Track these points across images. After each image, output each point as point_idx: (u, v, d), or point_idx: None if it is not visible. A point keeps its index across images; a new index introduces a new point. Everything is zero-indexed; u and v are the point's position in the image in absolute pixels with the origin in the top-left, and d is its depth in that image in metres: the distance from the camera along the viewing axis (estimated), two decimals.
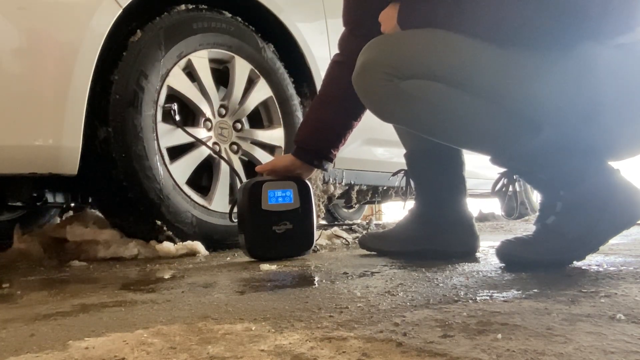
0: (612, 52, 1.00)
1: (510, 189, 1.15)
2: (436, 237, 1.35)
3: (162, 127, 1.56)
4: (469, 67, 1.05)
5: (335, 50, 1.38)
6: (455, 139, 1.15)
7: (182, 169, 1.60)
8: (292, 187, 1.35)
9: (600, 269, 1.02)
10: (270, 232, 1.32)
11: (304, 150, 1.34)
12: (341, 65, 1.33)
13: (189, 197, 1.59)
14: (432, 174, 1.38)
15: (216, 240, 1.64)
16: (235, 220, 1.40)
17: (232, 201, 1.46)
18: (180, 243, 1.54)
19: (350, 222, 3.27)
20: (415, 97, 1.07)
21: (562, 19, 0.98)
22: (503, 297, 0.77)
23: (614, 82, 1.00)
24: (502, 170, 1.15)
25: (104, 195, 1.57)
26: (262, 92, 1.86)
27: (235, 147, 1.81)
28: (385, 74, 1.07)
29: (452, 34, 1.06)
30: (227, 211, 1.63)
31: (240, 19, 1.80)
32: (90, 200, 1.94)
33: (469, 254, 1.34)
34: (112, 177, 1.47)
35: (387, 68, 1.07)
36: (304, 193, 1.37)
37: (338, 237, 1.89)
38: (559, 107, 1.03)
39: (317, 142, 1.33)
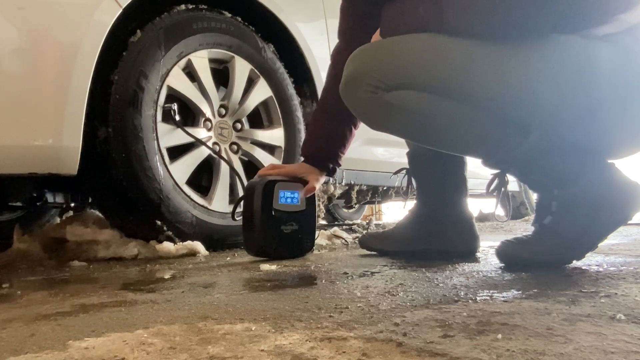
0: (602, 46, 0.98)
1: (503, 189, 1.15)
2: (436, 237, 1.35)
3: (162, 127, 1.56)
4: (454, 75, 1.03)
5: None
6: (444, 145, 1.14)
7: (182, 169, 1.60)
8: (300, 189, 1.39)
9: (600, 269, 1.02)
10: (278, 232, 1.35)
11: (314, 158, 1.40)
12: (335, 79, 1.34)
13: (189, 197, 1.59)
14: (434, 174, 1.38)
15: (216, 240, 1.64)
16: (238, 219, 1.41)
17: (237, 200, 1.45)
18: (180, 243, 1.54)
19: (350, 222, 3.26)
20: (401, 108, 1.05)
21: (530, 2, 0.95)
22: (503, 297, 0.77)
23: (610, 80, 0.98)
24: (495, 171, 1.15)
25: (104, 195, 1.57)
26: (262, 92, 1.86)
27: (235, 147, 1.81)
28: (370, 86, 1.05)
29: (436, 38, 1.03)
30: (227, 211, 1.63)
31: (240, 19, 1.80)
32: (90, 200, 1.94)
33: (469, 254, 1.34)
34: (112, 177, 1.47)
35: (372, 80, 1.05)
36: (309, 196, 1.41)
37: (338, 237, 1.89)
38: (551, 109, 1.01)
39: (325, 150, 1.39)
